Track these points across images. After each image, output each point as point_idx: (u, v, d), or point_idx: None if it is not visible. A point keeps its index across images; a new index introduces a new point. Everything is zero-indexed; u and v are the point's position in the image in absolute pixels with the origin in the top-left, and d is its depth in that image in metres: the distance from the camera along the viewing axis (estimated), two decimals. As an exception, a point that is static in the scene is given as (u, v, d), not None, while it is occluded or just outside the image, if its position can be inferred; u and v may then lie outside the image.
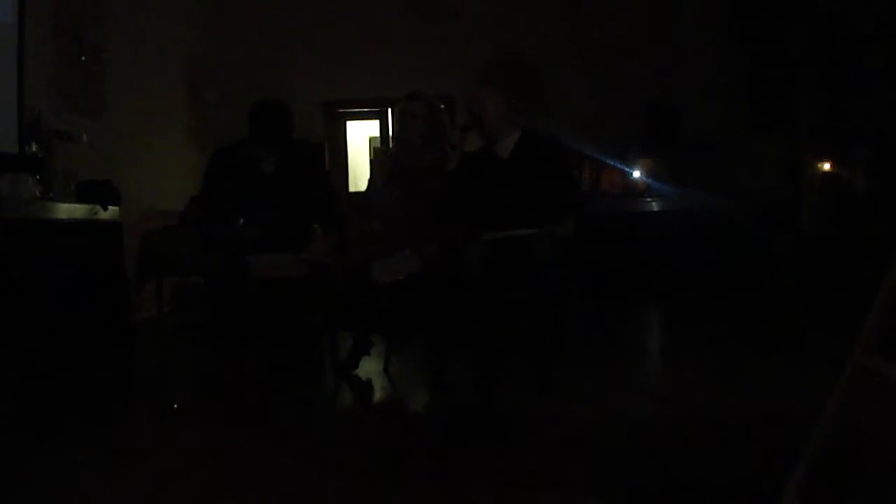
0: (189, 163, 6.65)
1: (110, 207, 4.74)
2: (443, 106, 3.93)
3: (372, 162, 4.30)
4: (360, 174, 8.53)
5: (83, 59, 5.40)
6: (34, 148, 4.46)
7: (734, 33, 7.19)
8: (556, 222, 3.50)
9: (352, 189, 8.17)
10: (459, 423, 3.03)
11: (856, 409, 1.63)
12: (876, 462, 2.19)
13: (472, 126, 3.86)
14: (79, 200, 4.57)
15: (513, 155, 3.69)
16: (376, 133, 8.45)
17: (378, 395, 3.60)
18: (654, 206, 7.00)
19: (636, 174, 7.09)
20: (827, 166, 6.85)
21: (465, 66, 7.29)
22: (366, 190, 4.09)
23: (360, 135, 8.87)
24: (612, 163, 7.10)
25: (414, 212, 3.76)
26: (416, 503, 2.15)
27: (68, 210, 4.42)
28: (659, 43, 7.22)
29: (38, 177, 4.24)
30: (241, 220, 3.69)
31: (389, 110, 7.98)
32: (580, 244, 3.60)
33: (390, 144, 7.69)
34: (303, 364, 3.89)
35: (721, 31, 7.21)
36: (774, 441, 2.47)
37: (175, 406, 3.44)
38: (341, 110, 8.28)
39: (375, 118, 8.34)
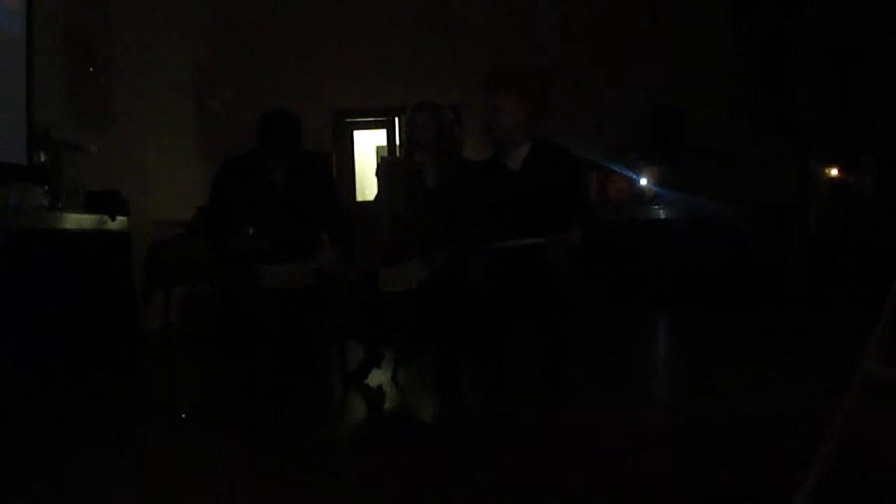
0: (197, 173, 6.67)
1: (118, 217, 4.75)
2: (451, 115, 3.93)
3: (378, 170, 4.26)
4: (367, 183, 8.54)
5: (91, 70, 5.43)
6: (43, 158, 4.48)
7: (740, 38, 7.19)
8: (564, 230, 3.49)
9: (359, 199, 8.18)
10: (469, 432, 3.02)
11: (865, 418, 1.63)
12: (885, 471, 2.18)
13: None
14: (87, 211, 4.58)
15: (525, 168, 3.64)
16: (384, 142, 8.46)
17: (386, 404, 3.60)
18: (662, 214, 7.00)
19: (643, 181, 7.09)
20: (834, 171, 6.83)
21: (471, 75, 7.29)
22: (375, 199, 4.09)
23: (368, 144, 8.89)
24: (619, 170, 7.10)
25: (422, 221, 3.76)
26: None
27: (77, 220, 4.43)
28: (664, 48, 7.22)
29: (46, 187, 4.25)
30: (250, 230, 3.70)
31: (397, 119, 8.01)
32: (588, 252, 3.59)
33: (398, 153, 7.71)
34: (311, 374, 3.88)
35: (727, 36, 7.21)
36: (783, 449, 2.46)
37: (183, 416, 3.45)
38: (349, 120, 8.31)
39: (383, 127, 8.37)
